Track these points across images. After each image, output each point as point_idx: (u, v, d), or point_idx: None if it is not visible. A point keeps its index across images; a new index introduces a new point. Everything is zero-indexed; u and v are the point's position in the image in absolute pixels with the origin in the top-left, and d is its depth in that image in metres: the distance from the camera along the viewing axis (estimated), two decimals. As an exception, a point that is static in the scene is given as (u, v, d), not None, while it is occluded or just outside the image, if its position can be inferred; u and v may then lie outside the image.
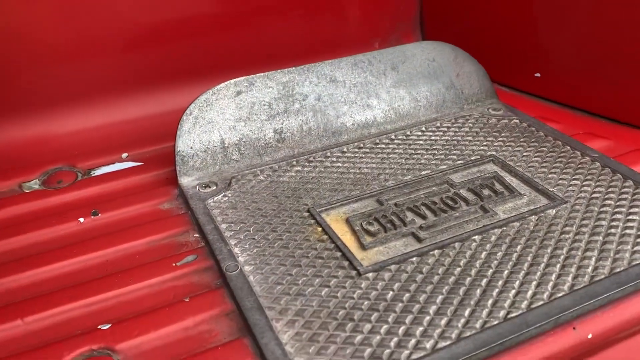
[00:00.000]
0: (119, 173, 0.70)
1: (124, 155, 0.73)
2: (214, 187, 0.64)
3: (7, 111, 0.72)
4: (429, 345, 0.43)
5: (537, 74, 0.83)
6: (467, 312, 0.46)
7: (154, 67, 0.75)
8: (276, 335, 0.45)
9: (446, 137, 0.73)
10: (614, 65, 0.75)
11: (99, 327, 0.48)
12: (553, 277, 0.50)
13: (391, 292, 0.49)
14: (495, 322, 0.45)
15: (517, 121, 0.76)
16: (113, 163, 0.72)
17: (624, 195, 0.60)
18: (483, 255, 0.52)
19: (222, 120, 0.68)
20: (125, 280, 0.52)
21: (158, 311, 0.49)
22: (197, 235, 0.59)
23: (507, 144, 0.71)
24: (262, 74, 0.70)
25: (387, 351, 0.43)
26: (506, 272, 0.50)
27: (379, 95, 0.76)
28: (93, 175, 0.70)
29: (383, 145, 0.72)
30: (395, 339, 0.44)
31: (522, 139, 0.72)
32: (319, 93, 0.73)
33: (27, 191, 0.68)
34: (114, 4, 0.71)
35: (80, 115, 0.73)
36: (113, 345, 0.46)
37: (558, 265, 0.51)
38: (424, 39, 0.97)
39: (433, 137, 0.74)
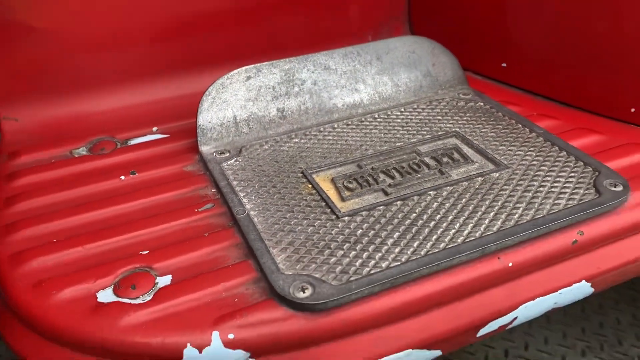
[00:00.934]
0: (150, 143, 0.85)
1: (154, 129, 0.89)
2: (228, 154, 0.80)
3: (59, 92, 0.88)
4: (384, 265, 0.59)
5: (504, 64, 0.97)
6: (415, 244, 0.61)
7: (179, 56, 0.91)
8: (272, 257, 0.60)
9: (420, 117, 0.88)
10: (566, 57, 0.89)
11: (140, 252, 0.64)
12: (486, 221, 0.64)
13: (360, 230, 0.64)
14: (436, 251, 0.60)
15: (482, 104, 0.90)
16: (145, 135, 0.88)
17: (557, 163, 0.74)
18: (435, 205, 0.67)
19: (234, 100, 0.83)
20: (159, 221, 0.68)
21: (184, 242, 0.65)
22: (214, 189, 0.74)
23: (470, 122, 0.86)
24: (267, 62, 0.85)
25: (353, 268, 0.58)
26: (450, 217, 0.65)
27: (365, 81, 0.90)
28: (129, 144, 0.86)
29: (367, 123, 0.87)
30: (360, 261, 0.59)
31: (483, 119, 0.86)
32: (315, 79, 0.88)
33: (76, 156, 0.84)
34: (149, 5, 0.86)
35: (120, 96, 0.89)
36: (151, 264, 0.62)
37: (492, 213, 0.66)
38: (411, 32, 1.11)
39: (409, 117, 0.88)
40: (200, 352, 0.53)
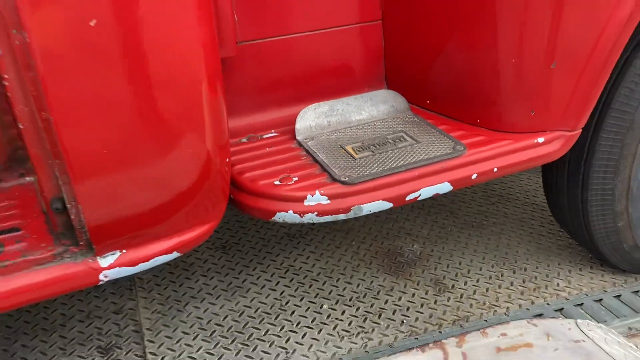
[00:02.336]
0: (273, 137, 1.97)
1: (272, 130, 2.00)
2: (308, 139, 1.92)
3: (234, 114, 2.00)
4: (373, 172, 1.70)
5: (428, 101, 2.10)
6: (382, 165, 1.73)
7: (282, 98, 2.03)
8: (334, 170, 1.71)
9: (388, 125, 2.00)
10: (454, 98, 2.01)
11: (285, 171, 1.74)
12: (407, 159, 1.76)
13: (363, 162, 1.75)
14: (391, 167, 1.71)
15: (416, 120, 2.03)
16: (269, 133, 1.99)
17: (440, 141, 1.86)
18: (390, 154, 1.79)
19: (309, 117, 1.96)
20: (287, 162, 1.79)
21: (299, 169, 1.75)
22: (304, 153, 1.86)
23: (409, 127, 1.98)
24: (322, 102, 1.98)
25: (362, 173, 1.69)
26: (394, 157, 1.77)
27: (365, 109, 2.03)
28: (264, 137, 1.98)
29: (365, 128, 1.99)
30: (364, 171, 1.71)
31: (415, 125, 1.98)
32: (342, 109, 2.01)
33: (243, 141, 1.95)
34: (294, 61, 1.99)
35: (257, 117, 2.01)
36: (290, 174, 1.73)
37: (409, 156, 1.77)
38: (387, 86, 2.25)
39: (383, 125, 2.00)
40: (313, 195, 1.64)
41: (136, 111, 1.33)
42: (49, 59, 1.13)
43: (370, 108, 2.03)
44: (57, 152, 1.22)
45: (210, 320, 2.24)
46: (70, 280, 1.39)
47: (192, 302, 2.36)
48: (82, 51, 1.17)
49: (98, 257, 1.40)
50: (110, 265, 1.41)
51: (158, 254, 1.47)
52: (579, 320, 1.75)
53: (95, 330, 2.20)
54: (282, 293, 2.43)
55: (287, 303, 2.37)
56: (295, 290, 2.44)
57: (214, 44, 1.38)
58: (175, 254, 1.52)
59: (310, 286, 2.46)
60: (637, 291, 2.41)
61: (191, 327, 2.21)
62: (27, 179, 1.71)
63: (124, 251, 1.43)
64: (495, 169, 1.81)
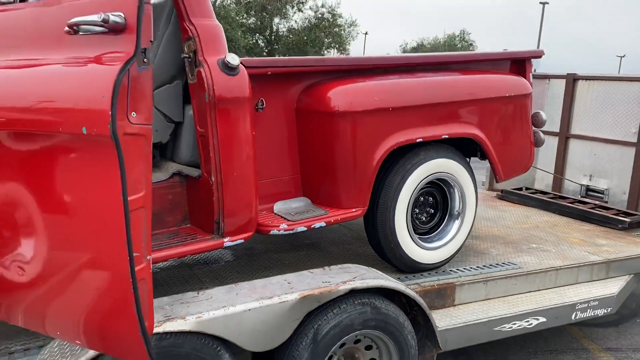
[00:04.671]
0: (266, 213, 5.72)
1: (264, 210, 5.76)
2: (278, 212, 5.69)
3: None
4: (300, 218, 5.49)
5: (318, 200, 5.97)
6: (303, 216, 5.52)
7: (269, 200, 5.82)
8: (287, 219, 5.47)
9: (303, 208, 5.81)
10: (325, 198, 5.90)
11: (272, 220, 5.49)
12: (311, 214, 5.56)
13: (297, 217, 5.54)
14: (305, 218, 5.51)
15: (314, 206, 5.85)
16: (263, 212, 5.74)
17: (321, 210, 5.69)
18: (304, 214, 5.59)
19: (278, 205, 5.75)
20: (271, 219, 5.54)
21: (275, 219, 5.50)
22: (277, 215, 5.62)
23: (311, 208, 5.80)
24: (281, 201, 5.80)
25: (296, 220, 5.48)
26: (307, 215, 5.57)
27: (295, 203, 5.85)
28: (262, 213, 5.72)
29: (296, 209, 5.80)
30: (298, 218, 5.49)
31: (314, 208, 5.80)
32: (290, 203, 5.83)
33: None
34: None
35: (260, 207, 5.77)
36: (274, 220, 5.48)
37: (312, 214, 5.58)
38: (303, 194, 6.11)
39: (302, 208, 5.82)
40: (281, 224, 5.36)
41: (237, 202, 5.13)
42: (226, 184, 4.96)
43: (297, 203, 5.85)
44: (222, 210, 5.01)
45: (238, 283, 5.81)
46: (216, 244, 5.09)
47: (225, 280, 5.95)
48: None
49: (224, 238, 5.11)
50: (227, 241, 5.12)
51: (238, 238, 5.18)
52: (365, 267, 5.54)
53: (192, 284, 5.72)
54: (263, 276, 6.05)
55: (263, 277, 5.98)
56: (267, 275, 6.07)
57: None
58: (242, 240, 5.22)
59: (270, 273, 6.09)
60: (407, 276, 6.24)
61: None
62: (188, 225, 5.42)
63: (230, 237, 5.15)
64: (339, 218, 5.67)
